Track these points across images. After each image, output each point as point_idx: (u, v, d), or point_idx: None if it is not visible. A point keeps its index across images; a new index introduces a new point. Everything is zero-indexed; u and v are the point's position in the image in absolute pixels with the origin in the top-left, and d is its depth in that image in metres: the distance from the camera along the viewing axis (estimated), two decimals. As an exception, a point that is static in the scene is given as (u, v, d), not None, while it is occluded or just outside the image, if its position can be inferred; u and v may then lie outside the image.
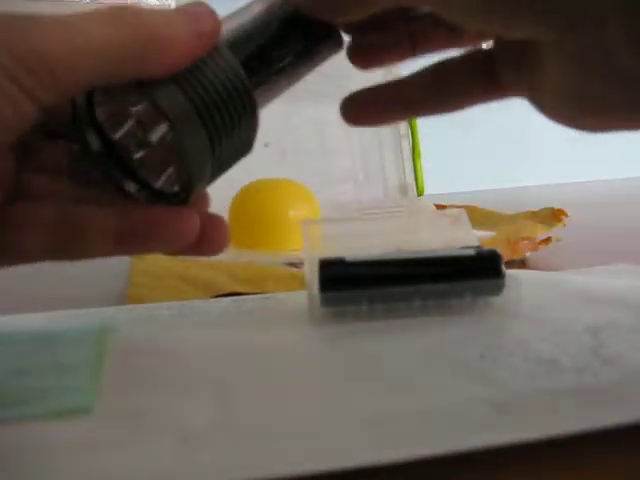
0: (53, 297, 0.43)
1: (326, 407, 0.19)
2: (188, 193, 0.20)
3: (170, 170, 0.22)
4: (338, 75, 0.71)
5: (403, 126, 0.70)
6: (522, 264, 0.45)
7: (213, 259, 0.46)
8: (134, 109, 0.21)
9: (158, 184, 0.22)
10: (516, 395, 0.19)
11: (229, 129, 0.20)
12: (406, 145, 0.70)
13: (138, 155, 0.22)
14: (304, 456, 0.16)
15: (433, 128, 0.68)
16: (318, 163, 0.69)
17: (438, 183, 0.74)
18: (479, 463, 0.16)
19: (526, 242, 0.46)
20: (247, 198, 0.52)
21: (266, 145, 0.67)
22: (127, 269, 0.45)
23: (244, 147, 0.21)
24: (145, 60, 0.18)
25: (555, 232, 0.49)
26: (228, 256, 0.49)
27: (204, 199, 0.22)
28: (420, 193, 0.69)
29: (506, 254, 0.44)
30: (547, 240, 0.47)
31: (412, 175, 0.69)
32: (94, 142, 0.21)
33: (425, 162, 0.69)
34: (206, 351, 0.25)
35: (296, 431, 0.18)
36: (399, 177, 0.70)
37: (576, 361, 0.21)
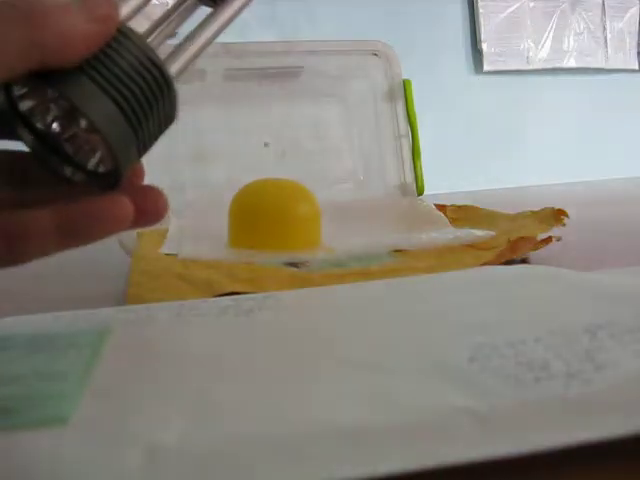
0: (53, 297, 0.43)
1: (307, 418, 0.19)
2: (118, 175, 0.21)
3: (99, 153, 0.22)
4: (338, 75, 0.71)
5: (403, 126, 0.69)
6: (522, 264, 0.45)
7: (213, 259, 0.46)
8: (52, 101, 0.22)
9: (90, 166, 0.22)
10: (501, 407, 0.19)
11: (147, 108, 0.20)
12: (406, 145, 0.69)
13: (68, 141, 0.22)
14: (273, 472, 0.16)
15: (433, 128, 0.67)
16: (318, 163, 0.69)
17: (438, 183, 0.74)
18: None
19: (526, 242, 0.46)
20: (247, 198, 0.52)
21: (266, 145, 0.67)
22: (127, 269, 0.45)
23: (167, 120, 0.22)
24: (46, 54, 0.18)
25: (555, 232, 0.48)
26: (228, 256, 0.49)
27: (139, 173, 0.23)
28: (420, 193, 0.69)
29: (506, 254, 0.44)
30: (547, 240, 0.47)
31: (412, 175, 0.69)
32: (25, 135, 0.22)
33: (425, 162, 0.69)
34: (201, 354, 0.25)
35: (269, 443, 0.17)
36: (399, 177, 0.69)
37: (569, 366, 0.21)
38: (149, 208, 0.22)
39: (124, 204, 0.21)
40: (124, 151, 0.20)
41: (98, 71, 0.19)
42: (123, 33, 0.20)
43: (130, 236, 0.55)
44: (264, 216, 0.51)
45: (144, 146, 0.21)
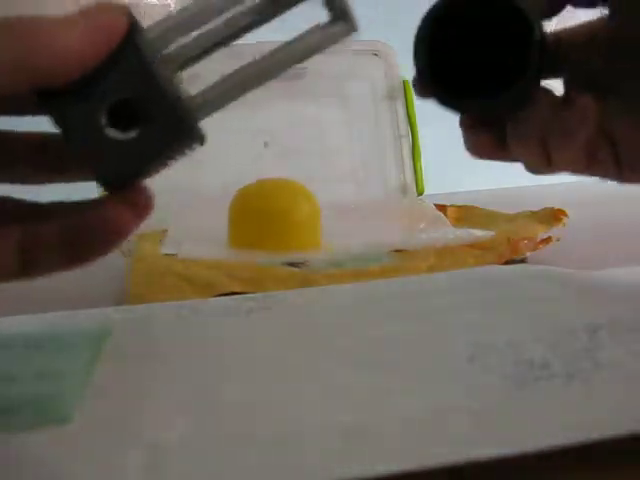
0: (53, 297, 0.42)
1: (307, 418, 0.19)
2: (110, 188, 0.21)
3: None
4: (338, 75, 0.71)
5: (403, 126, 0.70)
6: (522, 264, 0.45)
7: (213, 259, 0.46)
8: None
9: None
10: (500, 407, 0.19)
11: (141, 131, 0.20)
12: (406, 145, 0.69)
13: None
14: (273, 471, 0.16)
15: (433, 128, 0.68)
16: (318, 163, 0.69)
17: (438, 183, 0.74)
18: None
19: (526, 242, 0.46)
20: (247, 198, 0.52)
21: (266, 145, 0.67)
22: (127, 269, 0.45)
23: (173, 145, 0.22)
24: (36, 76, 0.18)
25: (555, 232, 0.48)
26: (228, 256, 0.49)
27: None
28: (420, 193, 0.69)
29: (506, 254, 0.44)
30: (547, 240, 0.47)
31: (412, 175, 0.69)
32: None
33: (425, 162, 0.69)
34: (200, 354, 0.25)
35: (270, 443, 0.17)
36: (399, 177, 0.69)
37: (568, 365, 0.21)
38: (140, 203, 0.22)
39: (123, 212, 0.21)
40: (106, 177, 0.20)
41: (91, 87, 0.19)
42: (132, 42, 0.19)
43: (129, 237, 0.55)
44: (264, 216, 0.51)
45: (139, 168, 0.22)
